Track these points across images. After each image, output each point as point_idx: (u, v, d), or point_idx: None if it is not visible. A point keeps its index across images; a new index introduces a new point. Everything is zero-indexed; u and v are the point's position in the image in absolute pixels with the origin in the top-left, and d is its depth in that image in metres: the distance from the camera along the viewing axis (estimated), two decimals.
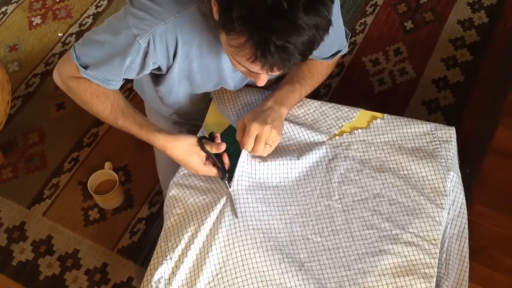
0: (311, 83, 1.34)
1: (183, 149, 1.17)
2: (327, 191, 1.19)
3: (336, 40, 1.32)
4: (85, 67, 1.18)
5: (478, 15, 2.02)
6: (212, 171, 1.18)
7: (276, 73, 0.99)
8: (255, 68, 0.98)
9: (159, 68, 1.20)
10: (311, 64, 1.35)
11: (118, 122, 1.22)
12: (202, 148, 1.17)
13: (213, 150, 1.17)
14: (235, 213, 1.14)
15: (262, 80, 1.07)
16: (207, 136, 1.21)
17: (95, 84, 1.20)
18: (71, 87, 1.23)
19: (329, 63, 1.39)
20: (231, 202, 1.15)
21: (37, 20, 2.21)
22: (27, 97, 2.01)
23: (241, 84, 1.32)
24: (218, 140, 1.19)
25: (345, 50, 1.38)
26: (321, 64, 1.37)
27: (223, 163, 1.18)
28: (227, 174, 1.17)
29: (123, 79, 1.22)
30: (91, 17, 2.20)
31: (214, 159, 1.17)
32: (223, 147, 1.17)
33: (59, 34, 2.16)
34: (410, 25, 2.03)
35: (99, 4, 2.24)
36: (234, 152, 1.21)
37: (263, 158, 1.21)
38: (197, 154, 1.18)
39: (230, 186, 1.17)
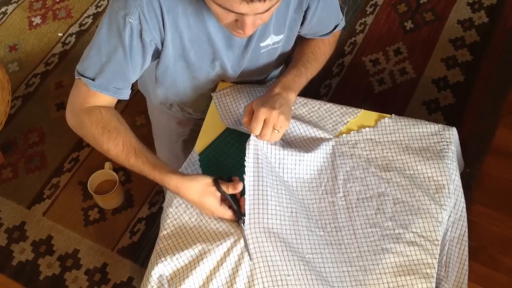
0: (315, 65, 1.34)
1: (199, 189, 1.13)
2: (332, 188, 1.19)
3: (331, 13, 1.33)
4: (93, 80, 1.16)
5: (478, 15, 2.02)
6: (228, 213, 1.14)
7: (259, 7, 0.96)
8: (243, 8, 0.95)
9: (157, 51, 1.19)
10: (313, 45, 1.36)
11: (130, 160, 1.16)
12: (218, 188, 1.12)
13: (230, 190, 1.13)
14: (249, 256, 1.10)
15: (248, 25, 1.03)
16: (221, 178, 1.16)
17: (107, 115, 1.17)
18: (82, 121, 1.18)
19: (330, 40, 1.40)
20: (246, 245, 1.11)
21: (37, 20, 2.21)
22: (27, 97, 2.01)
23: (239, 67, 1.31)
24: (237, 180, 1.15)
25: (342, 23, 1.39)
26: (322, 43, 1.37)
27: (239, 206, 1.14)
28: (243, 217, 1.12)
29: (131, 85, 1.21)
30: (91, 17, 2.20)
31: (230, 201, 1.13)
32: (241, 186, 1.14)
33: (59, 34, 2.16)
34: (410, 25, 2.03)
35: (99, 4, 2.24)
36: (237, 149, 1.21)
37: (272, 148, 1.21)
38: (212, 194, 1.13)
39: (245, 229, 1.12)
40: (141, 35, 1.11)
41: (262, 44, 1.27)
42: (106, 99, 1.19)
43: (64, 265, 1.66)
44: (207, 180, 1.13)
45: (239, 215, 1.12)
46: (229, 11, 1.00)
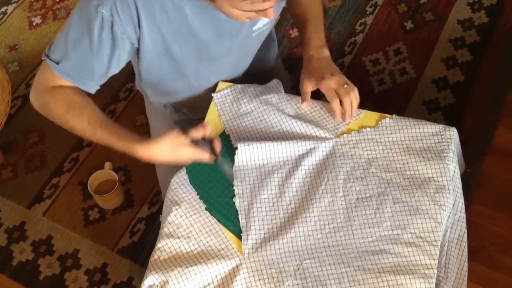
0: (318, 5, 1.36)
1: (169, 146, 1.11)
2: (332, 187, 1.19)
3: None
4: (57, 63, 1.15)
5: (478, 15, 2.02)
6: (204, 155, 1.14)
7: None
8: (269, 3, 0.99)
9: (134, 48, 1.17)
10: None
11: (97, 133, 1.15)
12: (186, 133, 1.12)
13: (199, 133, 1.13)
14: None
15: (271, 12, 1.06)
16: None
17: (70, 92, 1.16)
18: (46, 101, 1.18)
19: None
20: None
21: (37, 20, 2.21)
22: (27, 97, 2.00)
23: (228, 53, 1.29)
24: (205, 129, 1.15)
25: None
26: None
27: (212, 147, 1.14)
28: (218, 155, 1.13)
29: (99, 84, 1.19)
30: None
31: (202, 143, 1.13)
32: (207, 128, 1.13)
33: None
34: (410, 25, 2.03)
35: None
36: (230, 156, 1.22)
37: (272, 147, 1.21)
38: (184, 144, 1.12)
39: (227, 166, 1.17)
40: (111, 27, 1.10)
41: (254, 28, 1.26)
42: (69, 85, 1.18)
43: (64, 265, 1.66)
44: (173, 134, 1.12)
45: (214, 153, 1.14)
46: (253, 11, 1.02)
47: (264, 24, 1.27)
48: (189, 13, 1.14)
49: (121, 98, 1.97)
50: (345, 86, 1.22)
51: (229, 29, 1.22)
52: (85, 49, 1.12)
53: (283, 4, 1.31)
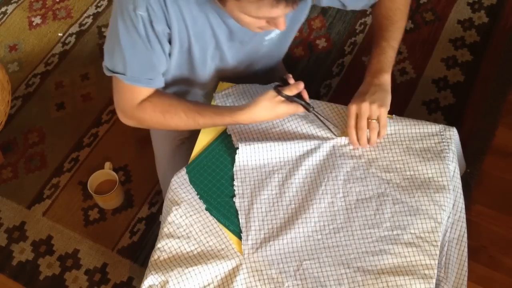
0: (395, 28, 1.31)
1: (267, 107, 1.17)
2: (332, 188, 1.19)
3: None
4: (124, 74, 1.17)
5: (478, 15, 2.02)
6: (300, 108, 1.19)
7: (291, 8, 1.00)
8: (277, 11, 0.99)
9: (170, 42, 1.20)
10: (383, 10, 1.33)
11: (199, 122, 1.22)
12: (281, 95, 1.17)
13: (294, 91, 1.17)
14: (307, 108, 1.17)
15: (282, 23, 1.06)
16: (279, 83, 1.21)
17: (154, 99, 1.21)
18: (141, 118, 1.23)
19: None
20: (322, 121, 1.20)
21: (37, 20, 2.21)
22: (27, 97, 2.01)
23: (238, 55, 1.31)
24: (292, 81, 1.19)
25: None
26: (390, 1, 1.34)
27: (303, 99, 1.19)
28: (311, 106, 1.19)
29: (163, 73, 1.22)
30: (91, 17, 2.20)
31: (295, 99, 1.18)
32: (301, 85, 1.17)
33: (59, 34, 2.16)
34: (410, 25, 2.03)
35: (99, 4, 2.24)
36: (230, 156, 1.22)
37: (273, 147, 1.22)
38: (280, 102, 1.17)
39: (317, 114, 1.21)
40: (152, 25, 1.12)
41: (266, 38, 1.27)
42: (144, 91, 1.21)
43: (64, 265, 1.67)
44: (269, 94, 1.17)
45: (307, 106, 1.19)
46: (262, 18, 1.03)
47: (277, 33, 1.28)
48: (209, 12, 1.15)
49: None
50: (373, 120, 1.20)
51: (241, 37, 1.23)
52: (143, 52, 1.15)
53: (302, 19, 1.31)
